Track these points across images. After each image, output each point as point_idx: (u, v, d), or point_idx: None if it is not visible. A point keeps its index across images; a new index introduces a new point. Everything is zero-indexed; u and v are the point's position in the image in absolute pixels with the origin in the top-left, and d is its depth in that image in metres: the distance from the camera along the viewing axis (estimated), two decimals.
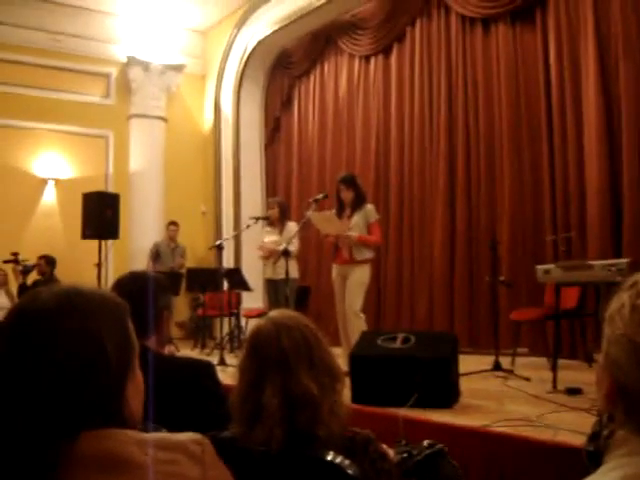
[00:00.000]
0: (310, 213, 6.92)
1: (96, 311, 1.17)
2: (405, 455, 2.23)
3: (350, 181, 6.86)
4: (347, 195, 6.80)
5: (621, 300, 1.05)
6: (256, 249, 8.27)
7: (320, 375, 1.95)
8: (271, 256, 7.59)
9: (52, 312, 1.13)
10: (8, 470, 1.03)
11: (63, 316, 1.13)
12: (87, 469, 1.04)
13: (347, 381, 4.08)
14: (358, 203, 6.80)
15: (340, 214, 6.83)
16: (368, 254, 6.72)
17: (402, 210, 9.47)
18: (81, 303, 1.16)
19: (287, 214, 8.25)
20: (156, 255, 11.01)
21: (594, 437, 1.64)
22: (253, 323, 2.14)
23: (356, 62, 10.51)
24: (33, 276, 9.73)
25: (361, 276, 6.66)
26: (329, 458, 1.77)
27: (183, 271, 10.43)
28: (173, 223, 11.25)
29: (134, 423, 1.18)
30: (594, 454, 1.55)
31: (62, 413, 1.07)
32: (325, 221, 6.90)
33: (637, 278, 1.07)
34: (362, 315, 6.63)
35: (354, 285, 6.65)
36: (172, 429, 1.20)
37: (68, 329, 1.11)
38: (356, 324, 6.42)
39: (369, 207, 6.84)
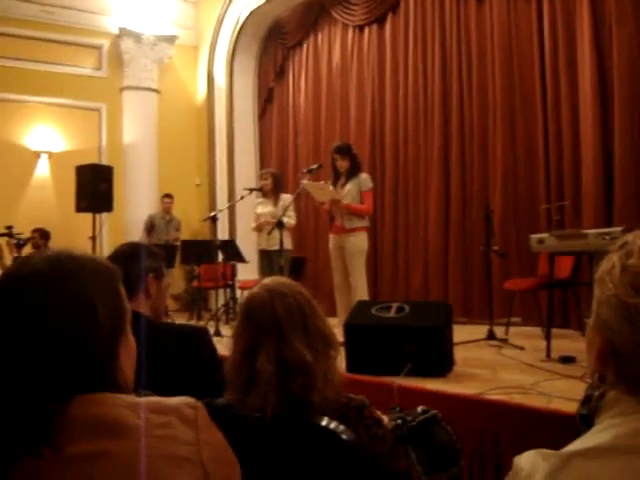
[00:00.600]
0: (304, 182, 6.92)
1: (88, 275, 1.17)
2: (399, 421, 2.25)
3: (345, 150, 6.85)
4: (342, 164, 6.80)
5: (611, 261, 1.05)
6: (252, 222, 8.26)
7: (314, 342, 1.95)
8: (264, 227, 7.60)
9: (44, 275, 1.13)
10: (2, 436, 1.03)
11: (55, 279, 1.13)
12: (81, 432, 1.04)
13: (342, 351, 4.09)
14: (353, 172, 6.80)
15: (335, 183, 6.84)
16: (358, 223, 6.72)
17: (397, 180, 9.46)
18: (73, 267, 1.16)
19: (281, 185, 8.21)
20: (150, 227, 11.00)
21: (587, 401, 1.64)
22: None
23: (350, 32, 10.43)
24: (27, 249, 9.69)
25: (356, 245, 6.68)
26: (323, 423, 1.78)
27: (177, 243, 10.42)
28: (168, 195, 11.23)
29: (127, 388, 1.19)
30: (587, 417, 1.56)
31: (54, 376, 1.07)
32: (319, 189, 6.93)
33: (627, 239, 1.07)
34: (365, 285, 6.67)
35: (351, 255, 6.68)
36: (167, 395, 1.21)
37: (60, 292, 1.12)
38: (359, 295, 6.44)
39: (363, 176, 6.85)
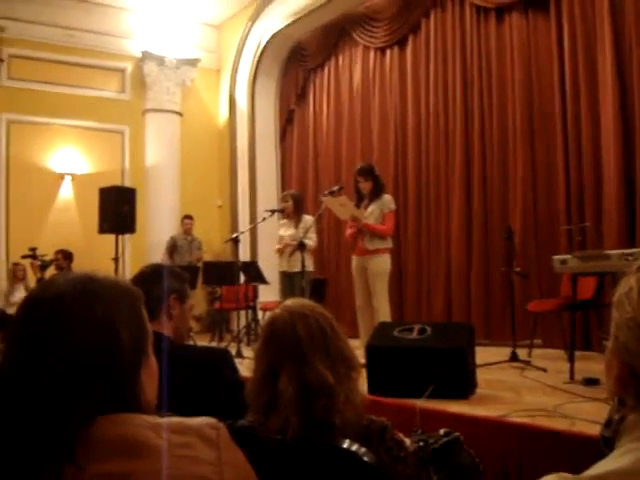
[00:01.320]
0: (325, 199, 6.93)
1: (110, 298, 1.18)
2: (421, 443, 2.23)
3: (368, 171, 6.86)
4: (365, 186, 6.80)
5: (629, 284, 1.05)
6: (273, 243, 8.29)
7: (336, 364, 1.95)
8: (285, 250, 7.64)
9: (67, 299, 1.14)
10: (26, 455, 1.04)
11: (77, 302, 1.14)
12: (103, 452, 1.05)
13: (364, 372, 4.08)
14: (376, 193, 6.80)
15: (359, 205, 6.84)
16: (380, 244, 6.70)
17: (420, 201, 9.45)
18: (95, 290, 1.17)
19: (302, 207, 8.26)
20: (172, 249, 11.05)
21: (609, 423, 1.63)
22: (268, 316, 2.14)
23: (371, 54, 10.47)
24: (51, 271, 9.76)
25: (379, 266, 6.67)
26: (345, 446, 1.78)
27: (200, 265, 10.46)
28: (188, 217, 11.30)
29: (149, 409, 1.19)
30: (610, 440, 1.55)
31: (77, 397, 1.08)
32: (340, 206, 6.89)
33: None
34: (388, 307, 6.65)
35: (373, 276, 6.66)
36: (189, 416, 1.21)
37: (82, 315, 1.13)
38: (381, 317, 6.41)
39: (387, 197, 6.85)
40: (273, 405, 1.88)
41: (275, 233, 8.29)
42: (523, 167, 8.01)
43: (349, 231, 6.91)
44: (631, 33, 6.89)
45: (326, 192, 7.15)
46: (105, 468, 1.04)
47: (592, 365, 5.64)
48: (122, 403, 1.12)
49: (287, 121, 12.35)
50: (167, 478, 1.06)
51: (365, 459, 1.74)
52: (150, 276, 2.67)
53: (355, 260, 6.88)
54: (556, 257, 5.43)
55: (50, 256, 9.80)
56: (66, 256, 10.23)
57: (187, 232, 11.25)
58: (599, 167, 7.18)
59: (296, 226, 7.88)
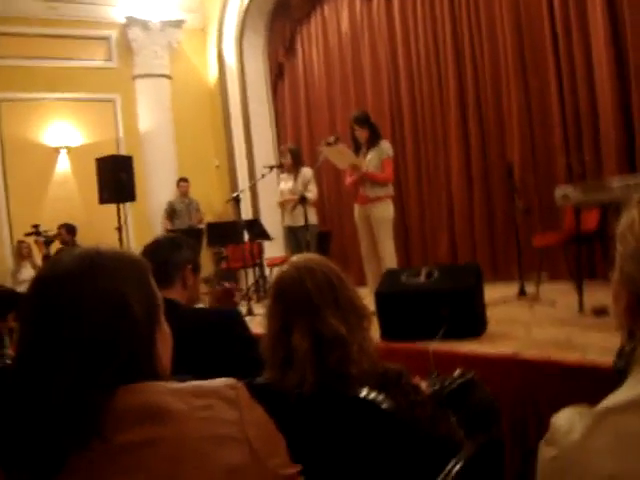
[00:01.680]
0: (323, 148, 6.86)
1: (118, 270, 1.19)
2: (437, 386, 2.26)
3: (363, 119, 6.81)
4: (361, 134, 6.76)
5: (631, 216, 1.06)
6: (274, 198, 8.30)
7: (347, 315, 1.97)
8: (286, 205, 7.66)
9: (74, 275, 1.15)
10: (52, 430, 1.06)
11: (86, 278, 1.15)
12: (127, 422, 1.07)
13: (374, 320, 4.11)
14: (373, 140, 6.74)
15: (357, 154, 6.80)
16: (381, 191, 6.65)
17: (417, 144, 9.40)
18: (102, 264, 1.18)
19: (300, 159, 8.25)
20: (172, 213, 11.10)
21: (621, 354, 1.65)
22: (276, 272, 2.17)
23: (357, 2, 10.33)
24: (55, 246, 9.79)
25: (382, 213, 6.63)
26: (363, 395, 1.80)
27: (203, 226, 10.48)
28: (183, 179, 11.33)
29: (166, 375, 1.21)
30: (623, 371, 1.57)
31: (96, 372, 1.10)
32: (338, 154, 6.83)
33: None
34: (394, 253, 6.64)
35: (377, 224, 6.62)
36: (206, 378, 1.23)
37: (92, 290, 1.14)
38: (388, 263, 6.41)
39: (384, 143, 6.78)
40: (289, 361, 1.90)
41: (276, 188, 8.29)
42: (517, 102, 7.94)
43: (349, 180, 6.86)
44: None
45: (323, 143, 7.11)
46: (130, 437, 1.06)
47: (600, 295, 5.64)
48: (140, 372, 1.14)
49: (277, 76, 12.26)
50: (192, 441, 1.08)
51: (383, 406, 1.76)
52: (167, 244, 2.75)
53: (357, 209, 6.86)
54: (558, 190, 5.41)
55: (53, 231, 9.81)
56: (69, 230, 10.25)
57: (184, 195, 11.26)
58: (594, 97, 7.12)
59: (295, 179, 7.88)
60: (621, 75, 6.86)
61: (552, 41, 7.53)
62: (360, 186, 6.72)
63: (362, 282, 6.76)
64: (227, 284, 3.00)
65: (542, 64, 7.70)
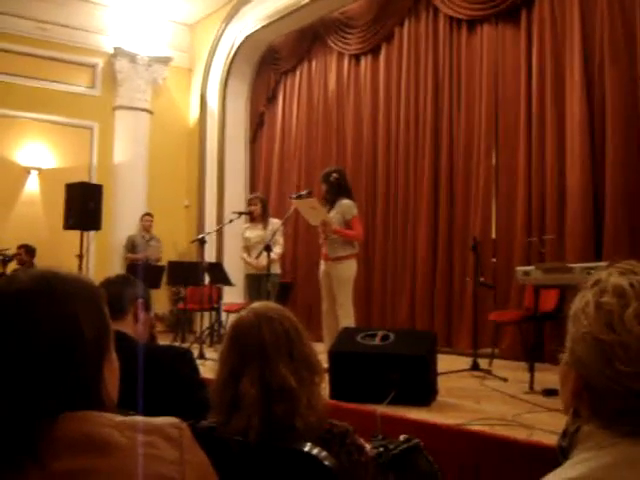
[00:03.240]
0: (295, 200, 6.89)
1: (73, 294, 1.18)
2: (381, 449, 2.25)
3: (323, 177, 6.88)
4: (322, 190, 6.84)
5: (585, 298, 1.08)
6: (239, 246, 8.31)
7: (299, 368, 1.96)
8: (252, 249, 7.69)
9: (29, 294, 1.14)
10: None
11: (40, 298, 1.14)
12: (66, 449, 1.05)
13: (326, 377, 4.09)
14: (332, 198, 6.78)
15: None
16: (342, 251, 6.66)
17: (388, 210, 9.50)
18: (58, 286, 1.17)
19: (268, 210, 8.32)
20: (131, 248, 11.05)
21: (566, 433, 1.66)
22: (234, 317, 2.16)
23: (345, 60, 10.51)
24: (12, 266, 9.67)
25: (341, 273, 6.65)
26: (306, 449, 1.79)
27: (162, 263, 10.41)
28: (147, 214, 11.30)
29: (111, 406, 1.19)
30: (567, 450, 1.57)
31: (40, 395, 1.07)
32: (310, 208, 6.79)
33: (599, 276, 1.10)
34: (351, 312, 6.63)
35: (336, 282, 6.65)
36: (150, 415, 1.21)
37: (45, 311, 1.12)
38: (344, 322, 6.40)
39: (345, 202, 6.73)
40: (236, 406, 1.89)
41: (241, 235, 8.29)
42: (484, 178, 8.10)
43: (322, 237, 6.87)
44: (602, 48, 6.98)
45: (294, 195, 7.14)
46: (68, 465, 1.04)
47: (552, 376, 5.70)
48: (85, 400, 1.12)
49: (258, 124, 12.36)
50: (130, 476, 1.06)
51: (325, 463, 1.75)
52: (121, 279, 2.82)
53: (322, 265, 6.89)
54: (519, 268, 5.50)
55: (13, 251, 9.69)
56: (28, 251, 10.12)
57: (146, 230, 11.21)
58: (563, 180, 7.26)
59: (264, 228, 7.91)
60: (593, 161, 7.01)
61: (526, 123, 7.72)
62: (324, 244, 6.73)
63: (321, 337, 6.74)
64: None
65: (513, 144, 7.86)
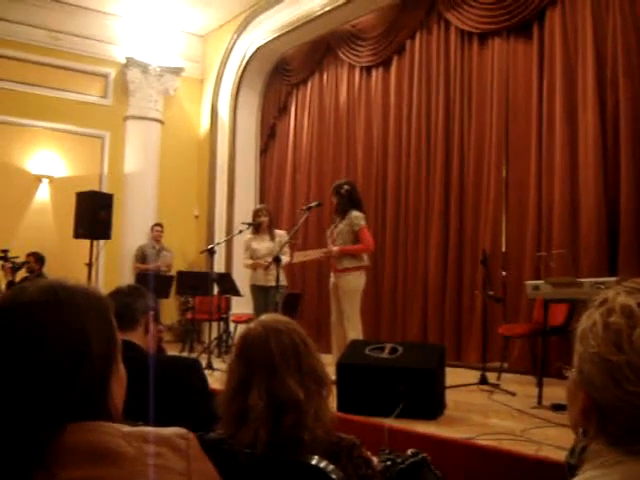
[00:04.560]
0: (296, 256, 7.40)
1: (81, 305, 1.19)
2: (389, 463, 2.24)
3: (334, 189, 6.92)
4: (333, 202, 6.87)
5: (592, 318, 1.08)
6: (243, 258, 8.36)
7: (307, 380, 1.96)
8: (259, 266, 7.71)
9: (37, 306, 1.15)
10: None
11: (48, 310, 1.15)
12: (74, 459, 1.05)
13: (334, 389, 4.08)
14: (340, 211, 6.82)
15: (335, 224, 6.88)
16: (348, 263, 6.68)
17: (398, 222, 9.47)
18: (66, 297, 1.18)
19: (274, 221, 8.38)
20: (142, 258, 11.05)
21: (574, 451, 1.65)
22: (242, 328, 2.16)
23: (357, 73, 10.52)
24: (22, 274, 9.70)
25: (349, 284, 6.67)
26: (313, 462, 1.78)
27: (172, 273, 10.42)
28: (158, 224, 11.30)
29: (118, 417, 1.20)
30: (574, 467, 1.56)
31: (48, 404, 1.08)
32: (308, 255, 7.39)
33: (607, 295, 1.10)
34: (359, 325, 6.64)
35: (343, 294, 6.67)
36: (158, 425, 1.21)
37: (53, 323, 1.13)
38: (351, 334, 6.41)
39: (354, 214, 6.75)
40: (243, 418, 1.88)
41: (246, 247, 8.29)
42: (495, 191, 8.09)
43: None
44: (615, 62, 6.95)
45: (304, 207, 7.17)
46: (76, 475, 1.04)
47: (560, 391, 5.66)
48: (92, 411, 1.13)
49: (269, 136, 12.38)
50: None
51: (333, 476, 1.74)
52: (132, 290, 2.81)
53: (331, 277, 6.92)
54: (529, 282, 5.48)
55: (22, 258, 9.72)
56: (38, 259, 10.13)
57: (156, 240, 11.22)
58: (575, 194, 7.23)
59: (272, 239, 7.94)
60: (606, 174, 6.96)
61: (537, 136, 7.69)
62: (333, 257, 6.78)
63: (330, 349, 6.74)
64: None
65: (524, 157, 7.84)
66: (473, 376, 6.23)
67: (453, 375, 5.86)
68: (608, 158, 7.00)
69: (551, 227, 7.45)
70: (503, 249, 7.91)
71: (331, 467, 1.77)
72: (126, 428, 1.14)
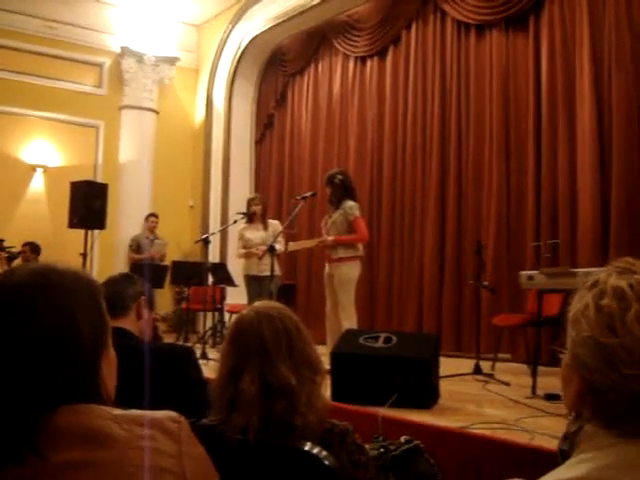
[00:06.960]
0: (290, 245, 7.43)
1: (70, 288, 1.18)
2: (382, 450, 2.25)
3: (327, 179, 6.93)
4: (327, 193, 6.87)
5: (584, 301, 1.07)
6: (236, 248, 8.37)
7: (299, 366, 1.96)
8: (253, 254, 7.69)
9: (27, 288, 1.15)
10: None
11: (38, 291, 1.15)
12: (66, 442, 1.05)
13: (328, 378, 4.08)
14: (334, 201, 6.83)
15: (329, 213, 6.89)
16: (343, 253, 6.70)
17: (394, 212, 9.47)
18: (55, 280, 1.18)
19: (267, 211, 8.36)
20: (137, 248, 11.04)
21: (567, 437, 1.65)
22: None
23: (351, 62, 10.50)
24: (17, 263, 9.67)
25: (343, 274, 6.68)
26: (306, 448, 1.78)
27: (166, 263, 10.41)
28: (153, 215, 11.28)
29: (108, 400, 1.20)
30: (567, 453, 1.57)
31: (39, 387, 1.08)
32: (302, 244, 7.58)
33: (598, 277, 1.09)
34: (354, 315, 6.65)
35: (338, 284, 6.68)
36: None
37: (42, 304, 1.13)
38: (346, 324, 6.42)
39: (349, 204, 6.76)
40: (235, 404, 1.89)
41: (240, 237, 8.28)
42: (497, 182, 8.07)
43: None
44: (610, 54, 6.98)
45: (298, 197, 7.15)
46: (67, 457, 1.04)
47: (555, 381, 5.68)
48: (83, 394, 1.13)
49: (266, 125, 12.35)
50: (129, 468, 1.06)
51: (325, 462, 1.74)
52: (123, 277, 2.83)
53: (326, 267, 6.92)
54: (523, 273, 5.48)
55: (17, 248, 9.70)
56: (33, 249, 10.11)
57: (150, 230, 11.19)
58: (573, 185, 7.24)
59: (265, 229, 7.92)
60: (603, 165, 7.00)
61: (536, 126, 7.70)
62: (328, 246, 6.79)
63: (325, 340, 6.74)
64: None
65: (523, 147, 7.84)
66: (468, 366, 6.23)
67: (451, 365, 5.88)
68: (604, 149, 7.03)
69: (550, 218, 7.45)
70: (502, 240, 7.90)
71: (324, 453, 1.77)
72: (117, 411, 1.13)
